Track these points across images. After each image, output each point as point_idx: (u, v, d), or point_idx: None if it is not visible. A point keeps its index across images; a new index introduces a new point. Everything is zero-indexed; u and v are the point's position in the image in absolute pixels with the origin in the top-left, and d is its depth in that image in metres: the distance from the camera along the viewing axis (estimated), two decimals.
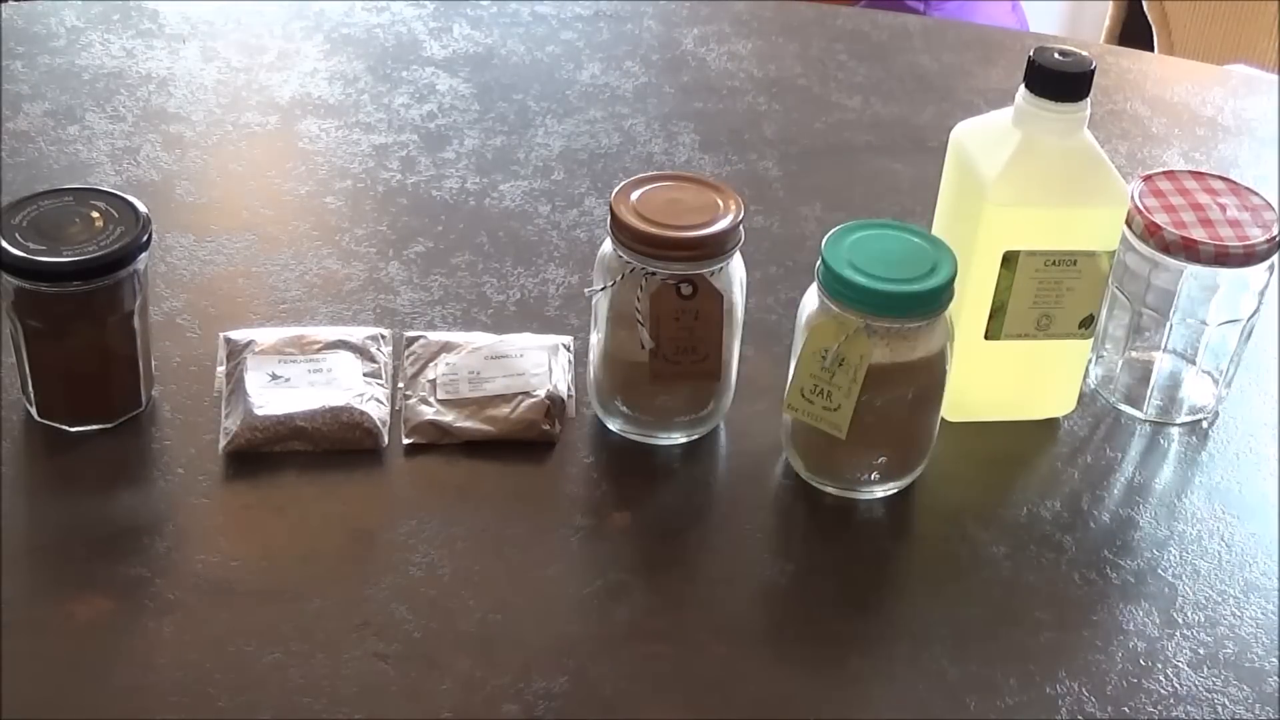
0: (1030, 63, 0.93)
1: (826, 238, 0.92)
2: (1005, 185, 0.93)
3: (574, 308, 1.09)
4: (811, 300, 0.93)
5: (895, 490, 0.96)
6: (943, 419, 0.95)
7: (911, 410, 0.93)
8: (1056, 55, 0.93)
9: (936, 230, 1.01)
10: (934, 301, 0.89)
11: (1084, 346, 1.00)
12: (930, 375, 0.92)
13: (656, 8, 1.53)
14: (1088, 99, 0.94)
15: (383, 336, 1.03)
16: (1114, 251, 0.96)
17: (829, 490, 0.95)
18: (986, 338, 0.97)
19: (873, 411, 0.90)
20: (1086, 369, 1.03)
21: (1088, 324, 0.98)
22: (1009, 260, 0.94)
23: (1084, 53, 0.94)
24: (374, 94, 1.34)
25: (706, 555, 0.92)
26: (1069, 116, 0.94)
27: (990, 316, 0.96)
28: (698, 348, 0.95)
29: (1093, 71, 0.93)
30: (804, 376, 0.91)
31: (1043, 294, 0.96)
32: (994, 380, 1.00)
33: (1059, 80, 0.93)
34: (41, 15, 1.41)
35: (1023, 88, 0.94)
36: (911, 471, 0.96)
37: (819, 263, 0.91)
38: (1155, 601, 0.91)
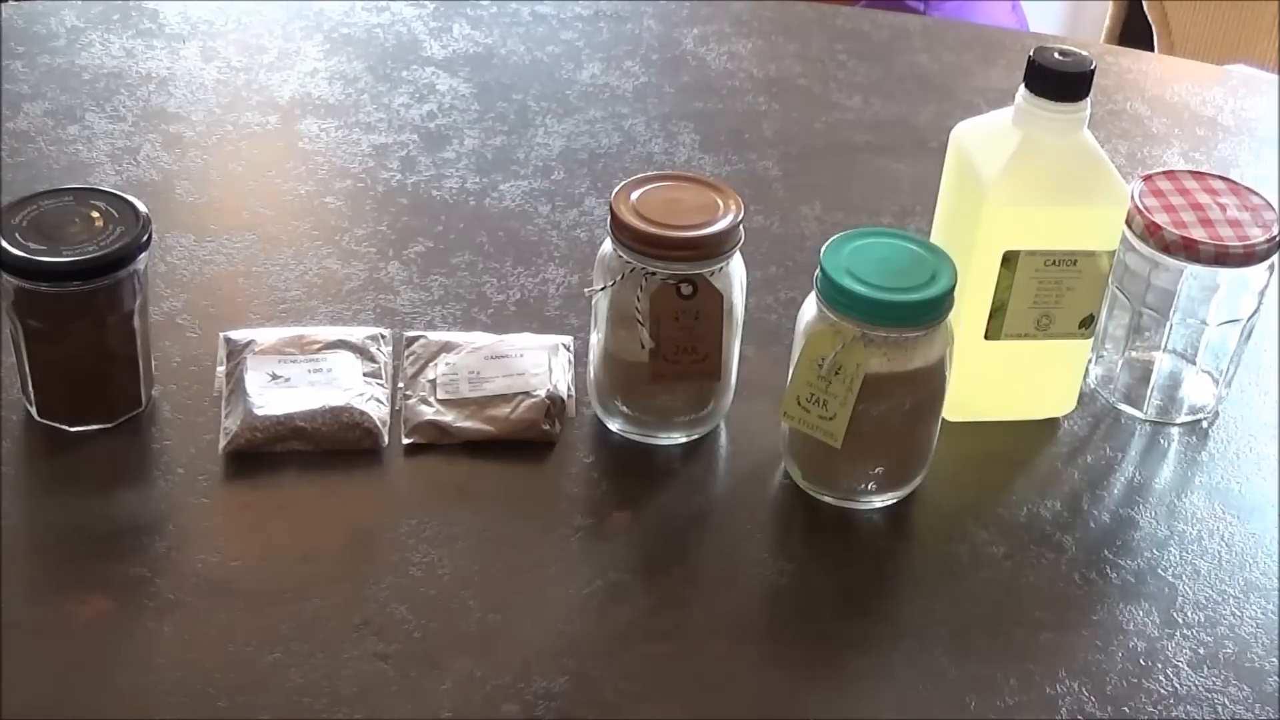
0: (1030, 62, 0.93)
1: (825, 246, 0.91)
2: (1005, 185, 0.93)
3: (574, 308, 1.09)
4: (810, 308, 0.92)
5: (894, 500, 0.95)
6: (943, 419, 0.95)
7: (909, 420, 0.92)
8: (1056, 55, 0.93)
9: (936, 231, 1.02)
10: (932, 311, 0.89)
11: (1084, 346, 1.00)
12: (928, 385, 0.91)
13: (656, 8, 1.53)
14: (1088, 99, 0.94)
15: (383, 336, 1.03)
16: (1114, 251, 0.96)
17: (827, 500, 0.95)
18: (986, 337, 0.97)
19: (869, 421, 0.90)
20: (1086, 369, 1.03)
21: (1088, 324, 0.98)
22: (1009, 260, 0.94)
23: (1084, 52, 0.94)
24: (374, 94, 1.34)
25: (706, 555, 0.92)
26: (1069, 116, 0.94)
27: (990, 316, 0.96)
28: (698, 348, 0.95)
29: (1093, 71, 0.93)
30: (800, 385, 0.90)
31: (1043, 294, 0.96)
32: (994, 380, 1.00)
33: (1059, 80, 0.93)
34: (41, 15, 1.41)
35: (1023, 87, 0.94)
36: (909, 482, 0.95)
37: (817, 271, 0.90)
38: (1155, 601, 0.91)
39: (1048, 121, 0.93)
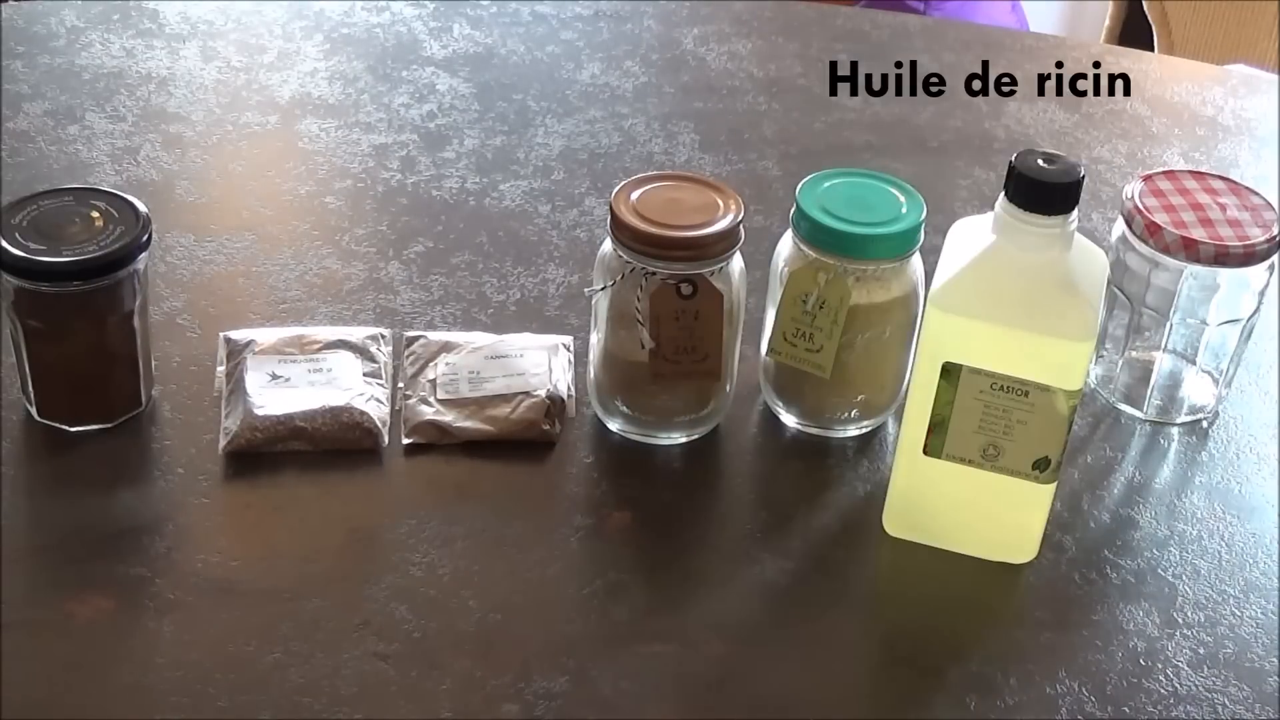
0: (1010, 167, 0.84)
1: (800, 188, 0.96)
2: (951, 291, 0.85)
3: (574, 308, 1.09)
4: (786, 246, 0.97)
5: (870, 428, 1.00)
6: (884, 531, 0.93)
7: (887, 348, 0.97)
8: (1040, 161, 0.84)
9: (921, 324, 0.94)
10: (907, 242, 0.94)
11: (1044, 492, 0.90)
12: (904, 313, 0.96)
13: (656, 8, 1.53)
14: (1071, 214, 0.84)
15: (383, 336, 1.03)
16: (1076, 391, 0.86)
17: (811, 431, 1.00)
18: (925, 453, 0.89)
19: (852, 351, 0.95)
20: (1050, 515, 0.92)
21: (1044, 467, 0.88)
22: (950, 373, 0.86)
23: (1074, 160, 0.85)
24: (374, 94, 1.34)
25: (706, 555, 0.92)
26: (1043, 231, 0.84)
27: (930, 430, 0.88)
28: (698, 348, 0.95)
29: (1078, 183, 0.84)
30: (786, 321, 0.95)
31: (989, 420, 0.87)
32: (939, 503, 0.91)
33: (1032, 189, 0.83)
34: (41, 15, 1.41)
35: (1002, 193, 0.85)
36: (886, 409, 1.00)
37: (794, 210, 0.95)
38: (1155, 601, 0.91)
39: (1020, 233, 0.84)
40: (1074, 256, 0.85)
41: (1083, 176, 0.84)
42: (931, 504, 0.91)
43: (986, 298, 0.85)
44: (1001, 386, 0.85)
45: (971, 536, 0.92)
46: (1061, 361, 0.85)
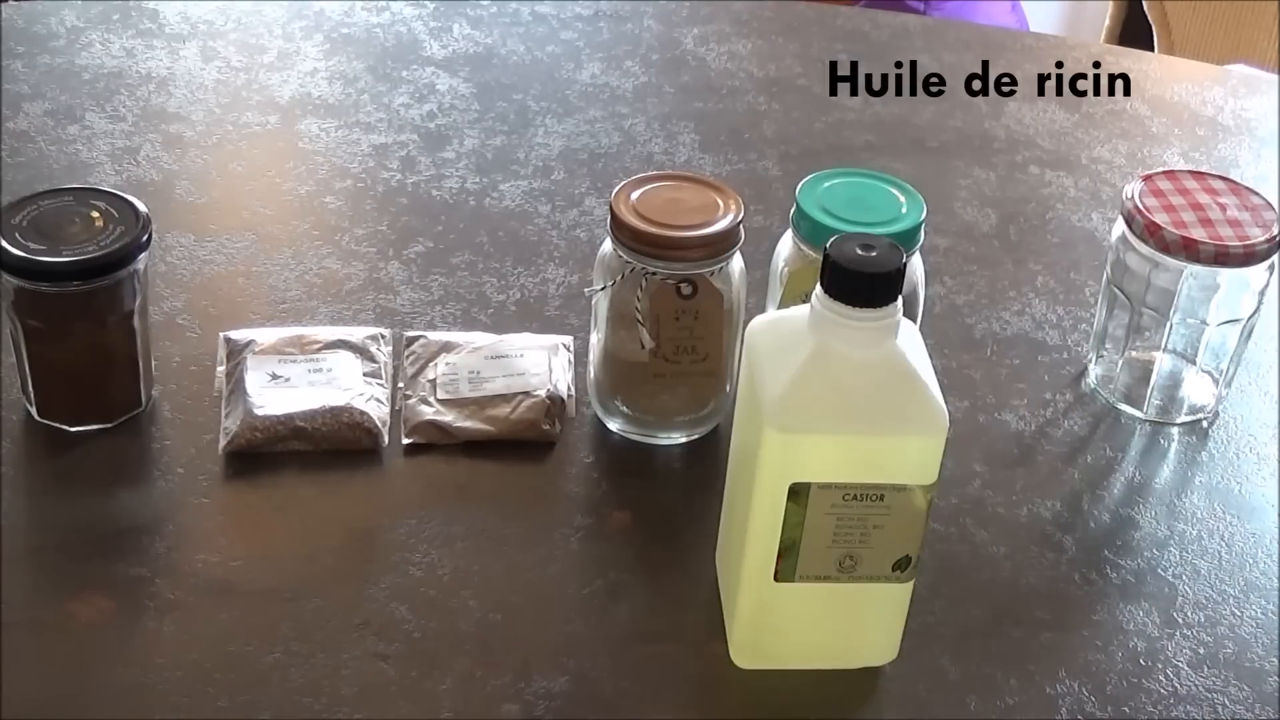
0: (826, 258, 0.76)
1: (800, 187, 0.96)
2: (787, 409, 0.77)
3: (574, 308, 1.09)
4: (786, 246, 0.96)
5: None
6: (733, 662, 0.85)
7: None
8: (858, 250, 0.75)
9: (733, 445, 0.87)
10: (907, 242, 0.93)
11: (904, 590, 0.83)
12: (905, 313, 0.94)
13: (656, 8, 1.53)
14: (895, 303, 0.76)
15: (383, 336, 1.03)
16: (932, 485, 0.79)
17: None
18: (777, 580, 0.81)
19: None
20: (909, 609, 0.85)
21: (904, 566, 0.81)
22: (798, 493, 0.78)
23: (894, 245, 0.76)
24: (374, 94, 1.34)
25: (706, 555, 0.92)
26: (872, 325, 0.76)
27: (780, 556, 0.80)
28: (698, 348, 0.95)
29: (898, 272, 0.76)
30: None
31: (844, 532, 0.79)
32: (792, 625, 0.84)
33: (854, 281, 0.75)
34: (41, 15, 1.41)
35: (819, 287, 0.77)
36: None
37: (794, 210, 0.95)
38: (1155, 601, 0.91)
39: (847, 331, 0.76)
40: (902, 343, 0.78)
41: (905, 261, 0.76)
42: (784, 628, 0.84)
43: (827, 409, 0.77)
44: (855, 496, 0.78)
45: (829, 650, 0.85)
46: (917, 459, 0.78)
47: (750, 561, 0.81)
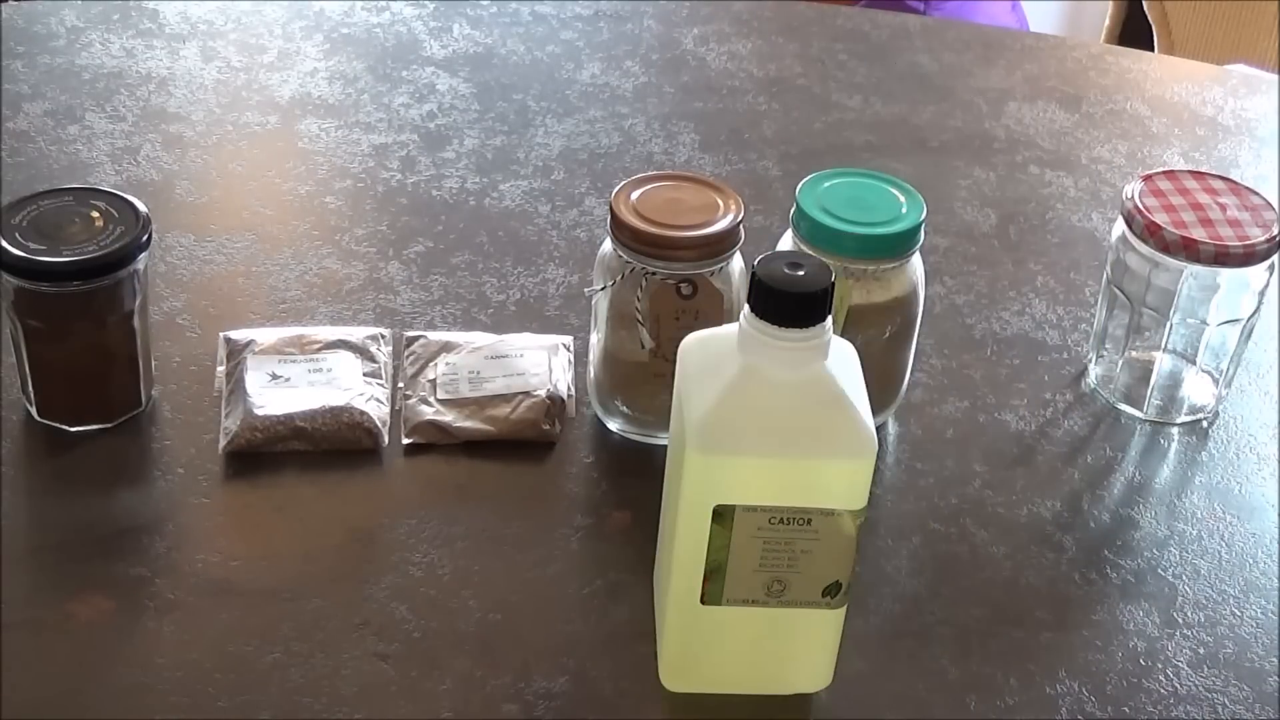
0: (754, 278, 0.75)
1: (800, 188, 0.96)
2: (711, 429, 0.76)
3: (574, 308, 1.09)
4: (786, 247, 0.96)
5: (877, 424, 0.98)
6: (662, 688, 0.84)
7: (887, 348, 0.97)
8: (785, 269, 0.74)
9: (666, 465, 0.85)
10: (907, 242, 0.94)
11: (835, 617, 0.81)
12: (905, 313, 0.96)
13: (656, 8, 1.53)
14: (825, 323, 0.75)
15: (383, 336, 1.03)
16: (861, 510, 0.77)
17: None
18: (703, 602, 0.79)
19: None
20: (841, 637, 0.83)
21: (834, 592, 0.79)
22: (722, 515, 0.77)
23: (823, 265, 0.75)
24: (374, 94, 1.34)
25: None
26: (799, 346, 0.75)
27: (706, 578, 0.79)
28: None
29: (826, 291, 0.74)
30: None
31: (771, 556, 0.78)
32: (721, 649, 0.82)
33: (783, 301, 0.74)
34: (41, 15, 1.41)
35: (746, 306, 0.75)
36: (886, 409, 1.00)
37: (794, 210, 0.95)
38: (1155, 601, 0.91)
39: (774, 351, 0.75)
40: (832, 365, 0.76)
41: (834, 281, 0.75)
42: (713, 651, 0.82)
43: (752, 430, 0.75)
44: (781, 519, 0.77)
45: (759, 675, 0.83)
46: (844, 483, 0.77)
47: (677, 583, 0.80)
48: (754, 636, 0.81)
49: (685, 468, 0.77)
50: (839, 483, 0.77)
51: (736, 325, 0.76)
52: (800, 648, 0.83)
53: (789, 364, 0.75)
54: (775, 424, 0.75)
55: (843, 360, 0.78)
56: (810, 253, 0.94)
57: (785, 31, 1.51)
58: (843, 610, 0.81)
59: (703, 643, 0.82)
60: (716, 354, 0.77)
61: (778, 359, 0.75)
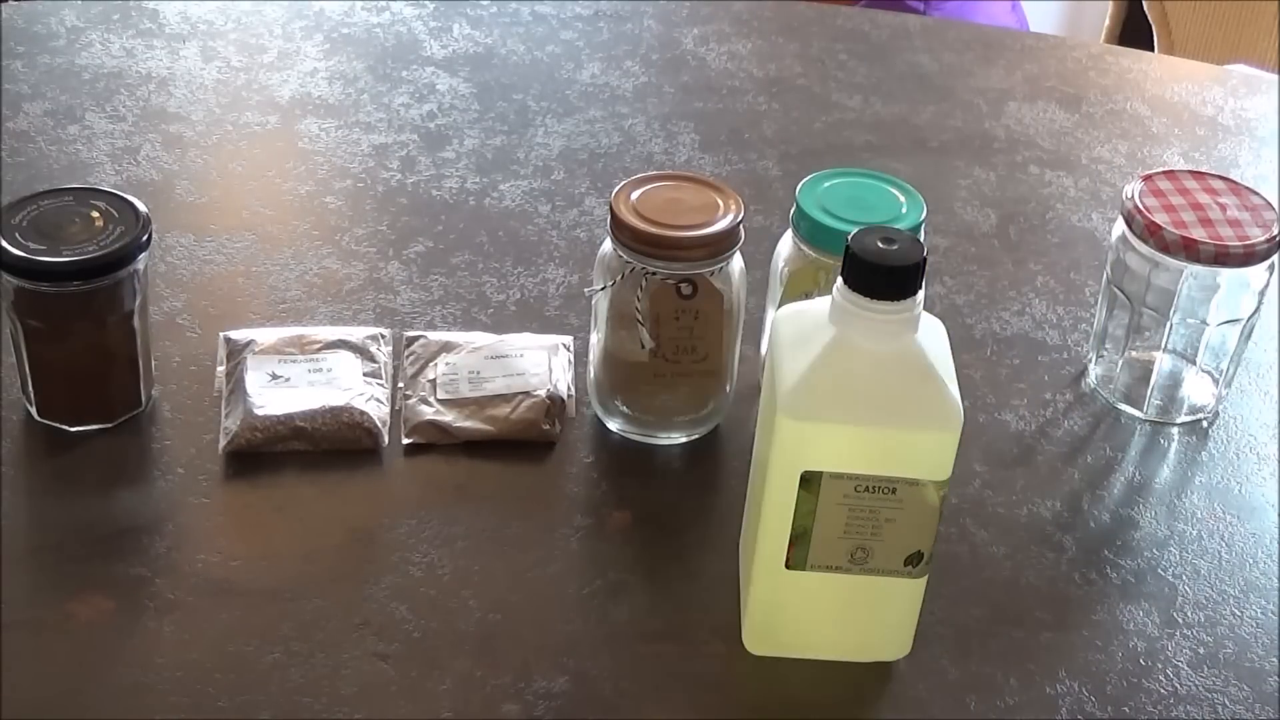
0: (847, 250, 0.77)
1: (800, 187, 0.96)
2: (801, 396, 0.77)
3: (574, 308, 1.09)
4: (786, 246, 0.97)
5: None
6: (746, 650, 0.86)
7: None
8: (879, 243, 0.76)
9: (756, 432, 0.87)
10: None
11: (916, 587, 0.83)
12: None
13: (656, 8, 1.53)
14: (917, 296, 0.77)
15: (383, 336, 1.03)
16: (944, 482, 0.79)
17: None
18: (788, 567, 0.82)
19: None
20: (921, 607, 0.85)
21: (916, 561, 0.81)
22: (809, 481, 0.79)
23: (916, 239, 0.78)
24: (374, 94, 1.34)
25: (706, 555, 0.92)
26: (891, 318, 0.76)
27: (791, 543, 0.81)
28: (698, 348, 0.95)
29: (921, 264, 0.76)
30: None
31: (855, 523, 0.80)
32: (805, 614, 0.84)
33: (875, 274, 0.76)
34: (41, 15, 1.41)
35: (840, 279, 0.78)
36: None
37: (794, 210, 0.95)
38: (1155, 601, 0.91)
39: (866, 323, 0.77)
40: (923, 339, 0.78)
41: (926, 256, 0.77)
42: (796, 616, 0.84)
43: (841, 398, 0.77)
44: (867, 487, 0.79)
45: (841, 642, 0.85)
46: (930, 454, 0.79)
47: (763, 547, 0.82)
48: (836, 603, 0.83)
49: (775, 433, 0.79)
50: (925, 454, 0.79)
51: (829, 298, 0.78)
52: (880, 616, 0.85)
53: (879, 335, 0.77)
54: (864, 393, 0.77)
55: (932, 334, 0.80)
56: (811, 253, 0.94)
57: (785, 31, 1.51)
58: (923, 580, 0.83)
59: (786, 607, 0.84)
60: (809, 325, 0.80)
61: (868, 330, 0.77)
